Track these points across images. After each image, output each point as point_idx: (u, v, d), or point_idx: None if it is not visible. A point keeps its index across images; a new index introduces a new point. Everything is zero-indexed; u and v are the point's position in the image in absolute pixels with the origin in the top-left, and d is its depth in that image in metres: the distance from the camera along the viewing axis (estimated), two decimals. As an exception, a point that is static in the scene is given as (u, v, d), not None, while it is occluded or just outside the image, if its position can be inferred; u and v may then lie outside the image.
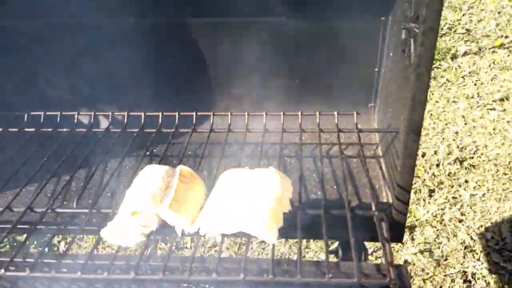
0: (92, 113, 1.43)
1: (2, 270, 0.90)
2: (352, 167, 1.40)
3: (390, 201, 1.24)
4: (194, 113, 1.38)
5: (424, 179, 3.37)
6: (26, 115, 1.44)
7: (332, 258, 1.33)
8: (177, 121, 1.39)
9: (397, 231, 1.15)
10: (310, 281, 0.87)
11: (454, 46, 4.51)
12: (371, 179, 1.30)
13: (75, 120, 1.43)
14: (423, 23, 0.81)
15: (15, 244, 2.81)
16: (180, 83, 1.46)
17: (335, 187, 1.35)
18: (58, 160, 1.28)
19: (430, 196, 3.25)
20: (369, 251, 2.82)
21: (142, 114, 1.39)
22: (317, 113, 1.35)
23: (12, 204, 1.15)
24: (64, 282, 1.11)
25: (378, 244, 2.94)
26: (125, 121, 1.40)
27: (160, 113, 1.39)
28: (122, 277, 0.86)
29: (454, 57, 4.41)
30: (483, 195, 3.20)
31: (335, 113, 1.35)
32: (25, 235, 1.10)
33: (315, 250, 2.88)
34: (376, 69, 1.40)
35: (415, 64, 0.92)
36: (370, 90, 1.46)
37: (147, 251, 2.82)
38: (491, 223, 3.04)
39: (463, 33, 4.68)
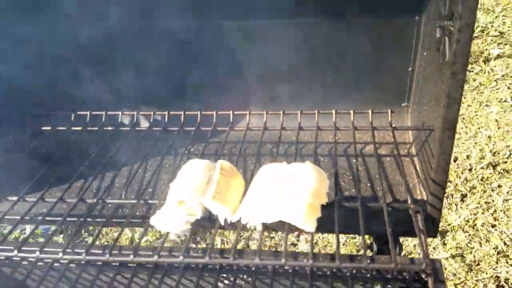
0: (135, 113, 1.50)
1: (58, 255, 0.97)
2: (386, 166, 1.43)
3: (425, 198, 1.26)
4: (231, 112, 1.43)
5: (456, 184, 3.35)
6: (73, 115, 1.52)
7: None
8: (215, 120, 1.44)
9: (432, 227, 1.17)
10: (348, 266, 0.90)
11: (486, 49, 4.46)
12: (406, 177, 1.33)
13: (119, 120, 1.50)
14: (459, 19, 0.84)
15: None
16: (217, 84, 1.52)
17: (369, 185, 1.38)
18: (104, 158, 1.35)
19: (462, 201, 3.23)
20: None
21: (182, 113, 1.45)
22: (352, 111, 1.39)
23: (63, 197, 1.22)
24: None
25: (410, 246, 2.94)
26: (166, 120, 1.46)
27: (199, 112, 1.44)
28: (170, 260, 0.92)
29: (486, 60, 4.37)
30: (523, 200, 3.15)
31: (370, 111, 1.38)
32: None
33: (350, 250, 2.89)
34: (410, 69, 1.42)
35: (450, 61, 0.94)
36: (403, 89, 1.48)
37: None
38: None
39: (496, 36, 4.62)
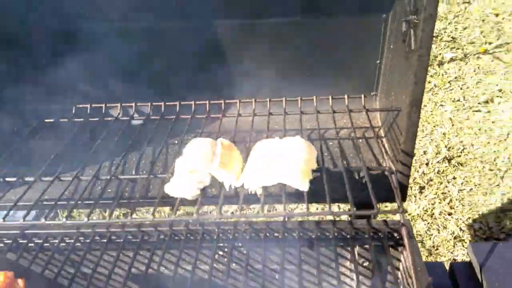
0: (133, 104, 1.63)
1: (83, 220, 1.10)
2: (360, 146, 1.60)
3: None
4: (223, 101, 1.59)
5: (415, 177, 3.58)
6: (73, 108, 1.64)
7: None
8: (208, 108, 1.60)
9: (402, 192, 1.36)
10: (338, 213, 1.07)
11: (440, 54, 4.77)
12: (377, 155, 1.52)
13: (118, 111, 1.63)
14: (424, 11, 1.04)
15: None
16: (209, 77, 1.66)
17: (345, 162, 1.56)
18: (107, 148, 1.47)
19: (421, 192, 3.48)
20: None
21: (177, 103, 1.60)
22: (330, 97, 1.57)
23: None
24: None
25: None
26: (163, 110, 1.61)
27: (193, 102, 1.59)
28: (187, 219, 1.07)
29: (440, 63, 4.67)
30: (471, 190, 3.42)
31: (346, 96, 1.57)
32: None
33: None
34: (378, 61, 1.62)
35: (417, 47, 1.14)
36: (372, 80, 1.67)
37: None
38: (479, 215, 3.25)
39: (449, 41, 4.96)
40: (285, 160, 1.16)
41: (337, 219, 1.43)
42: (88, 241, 1.43)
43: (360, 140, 1.63)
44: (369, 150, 1.60)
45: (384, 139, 1.61)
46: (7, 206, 1.27)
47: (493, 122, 3.93)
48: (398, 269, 1.43)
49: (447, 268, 1.45)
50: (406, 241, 1.20)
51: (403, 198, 1.37)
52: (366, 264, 1.47)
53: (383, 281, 1.33)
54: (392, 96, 1.53)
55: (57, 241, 1.44)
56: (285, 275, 1.38)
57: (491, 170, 3.53)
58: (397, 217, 1.36)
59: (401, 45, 1.36)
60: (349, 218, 1.47)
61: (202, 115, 1.57)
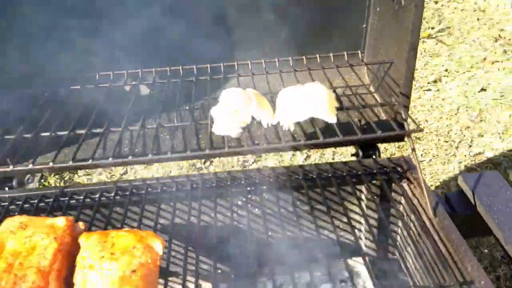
0: (139, 71, 1.77)
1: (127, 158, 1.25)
2: (354, 101, 1.81)
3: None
4: (235, 63, 1.78)
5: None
6: (97, 75, 1.77)
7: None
8: (222, 69, 1.77)
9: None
10: (369, 137, 1.27)
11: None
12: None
13: (125, 78, 1.77)
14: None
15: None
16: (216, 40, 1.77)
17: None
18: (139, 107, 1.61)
19: (385, 166, 3.75)
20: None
21: (194, 67, 1.76)
22: (331, 54, 1.78)
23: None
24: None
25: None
26: (181, 72, 1.76)
27: (208, 65, 1.76)
28: (240, 149, 1.24)
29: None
30: (430, 160, 3.72)
31: (345, 53, 1.79)
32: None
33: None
34: (364, 25, 1.83)
35: (407, 2, 1.35)
36: (359, 43, 1.88)
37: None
38: (440, 182, 3.55)
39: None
40: (313, 99, 1.35)
41: (347, 159, 1.61)
42: (127, 193, 1.55)
43: (357, 96, 1.84)
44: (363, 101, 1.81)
45: (375, 94, 1.82)
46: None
47: (443, 99, 4.27)
48: (400, 202, 1.64)
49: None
50: (416, 163, 1.41)
51: (402, 138, 1.59)
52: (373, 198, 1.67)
53: (391, 209, 1.53)
54: (381, 53, 1.75)
55: (97, 196, 1.55)
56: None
57: (446, 141, 3.85)
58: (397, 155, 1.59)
59: (388, 6, 1.57)
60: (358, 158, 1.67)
61: (219, 76, 1.74)
